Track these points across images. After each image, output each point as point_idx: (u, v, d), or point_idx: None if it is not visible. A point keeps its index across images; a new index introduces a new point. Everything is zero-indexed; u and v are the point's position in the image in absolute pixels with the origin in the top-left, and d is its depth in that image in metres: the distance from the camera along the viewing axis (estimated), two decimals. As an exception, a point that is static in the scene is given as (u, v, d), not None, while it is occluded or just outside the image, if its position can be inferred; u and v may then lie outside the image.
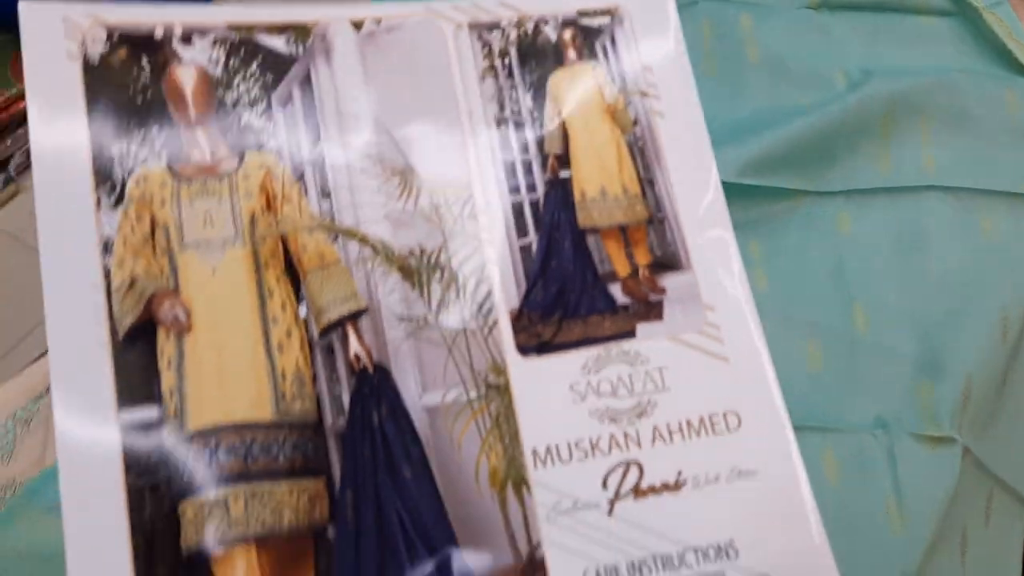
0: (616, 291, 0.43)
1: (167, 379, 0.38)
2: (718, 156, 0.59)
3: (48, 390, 0.64)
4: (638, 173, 0.44)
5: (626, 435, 0.39)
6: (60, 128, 0.38)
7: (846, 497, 0.54)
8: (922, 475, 0.56)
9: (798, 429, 0.53)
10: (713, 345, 0.40)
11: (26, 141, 1.49)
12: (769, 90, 0.68)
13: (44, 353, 0.69)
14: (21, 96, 1.48)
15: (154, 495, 0.36)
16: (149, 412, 0.37)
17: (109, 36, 0.40)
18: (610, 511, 0.38)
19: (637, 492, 0.38)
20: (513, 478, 0.38)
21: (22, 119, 1.48)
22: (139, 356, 0.37)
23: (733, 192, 0.59)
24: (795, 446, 0.39)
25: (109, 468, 0.35)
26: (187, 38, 0.41)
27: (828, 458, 0.55)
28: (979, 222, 0.65)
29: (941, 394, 0.58)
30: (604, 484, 0.38)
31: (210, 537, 0.36)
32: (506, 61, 0.44)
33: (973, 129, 0.68)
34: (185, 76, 0.40)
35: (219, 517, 0.36)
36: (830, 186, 0.64)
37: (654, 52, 0.45)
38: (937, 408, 0.57)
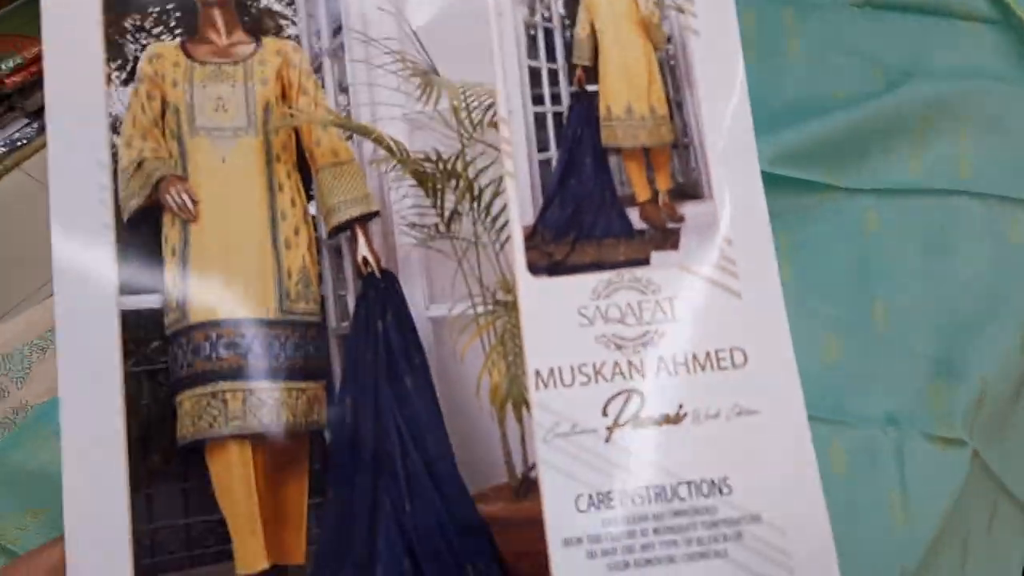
0: (633, 215, 0.42)
1: (170, 267, 0.37)
2: None
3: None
4: (667, 94, 0.42)
5: (630, 363, 0.38)
6: (71, -3, 0.36)
7: (851, 490, 0.56)
8: (929, 474, 0.56)
9: (807, 418, 0.54)
10: (727, 279, 0.40)
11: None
12: (807, 84, 0.68)
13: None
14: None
15: (152, 382, 0.36)
16: (151, 299, 0.36)
17: (126, -101, 0.38)
18: (608, 438, 0.37)
19: (636, 421, 0.38)
20: (514, 396, 0.38)
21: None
22: (143, 240, 0.37)
23: (764, 181, 0.60)
24: (800, 390, 0.39)
25: (108, 353, 0.35)
26: (208, -92, 0.39)
27: (835, 450, 0.57)
28: (1006, 230, 0.66)
29: (956, 396, 0.58)
30: (604, 411, 0.38)
31: (205, 431, 0.36)
32: (542, -38, 0.42)
33: (1009, 137, 0.69)
34: (204, -51, 0.38)
35: (217, 411, 0.36)
36: (860, 183, 0.65)
37: (697, -33, 0.43)
38: (950, 409, 0.58)
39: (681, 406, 0.38)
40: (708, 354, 0.39)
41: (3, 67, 1.44)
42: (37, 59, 1.48)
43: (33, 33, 1.52)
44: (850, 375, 0.59)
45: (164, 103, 0.38)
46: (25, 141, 1.42)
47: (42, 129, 1.49)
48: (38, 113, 1.47)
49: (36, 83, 1.52)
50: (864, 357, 0.60)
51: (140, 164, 0.37)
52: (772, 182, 0.61)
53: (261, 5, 0.39)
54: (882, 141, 0.66)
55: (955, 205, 0.66)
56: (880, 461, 0.56)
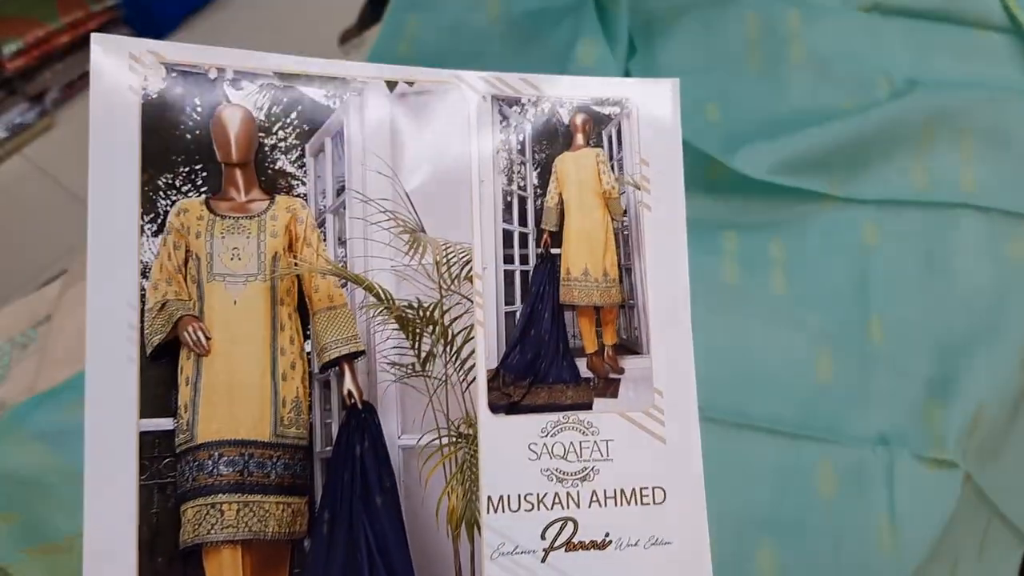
0: (581, 365, 0.49)
1: (184, 394, 0.43)
2: (750, 151, 0.60)
3: (48, 317, 0.69)
4: (619, 259, 0.49)
5: (568, 495, 0.45)
6: (116, 158, 0.42)
7: (839, 510, 0.55)
8: (919, 497, 0.56)
9: (796, 437, 0.55)
10: (655, 426, 0.47)
11: (64, 76, 1.51)
12: (809, 91, 0.67)
13: (49, 280, 0.72)
14: (62, 30, 1.46)
15: (161, 494, 0.42)
16: (165, 422, 0.43)
17: (167, 73, 0.44)
18: (544, 558, 0.44)
19: (569, 545, 0.45)
20: (468, 518, 0.45)
21: (63, 52, 1.48)
22: (161, 371, 0.43)
23: (761, 189, 0.59)
24: (706, 526, 0.46)
25: (127, 468, 0.41)
26: (236, 81, 0.45)
27: (824, 470, 0.56)
28: (1007, 245, 0.64)
29: (950, 417, 0.57)
30: (543, 535, 0.45)
31: (204, 536, 0.42)
32: (520, 137, 0.49)
33: (1013, 150, 0.66)
34: (232, 117, 0.45)
35: (214, 520, 0.43)
36: (860, 194, 0.63)
37: (653, 148, 0.49)
38: (944, 430, 0.57)
39: (607, 534, 0.45)
40: (634, 490, 0.46)
41: (5, 51, 1.42)
42: (39, 43, 1.44)
43: (35, 16, 1.52)
44: (842, 393, 0.58)
45: (188, 251, 0.44)
46: (26, 125, 1.42)
47: (43, 113, 1.48)
48: (39, 98, 1.46)
49: (37, 67, 1.48)
50: (857, 375, 0.59)
51: (164, 305, 0.43)
52: (769, 191, 0.61)
53: (276, 167, 0.45)
54: (884, 151, 0.64)
55: (956, 218, 0.64)
56: (870, 482, 0.55)
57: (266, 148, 0.45)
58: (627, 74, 0.68)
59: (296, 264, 0.45)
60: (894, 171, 0.65)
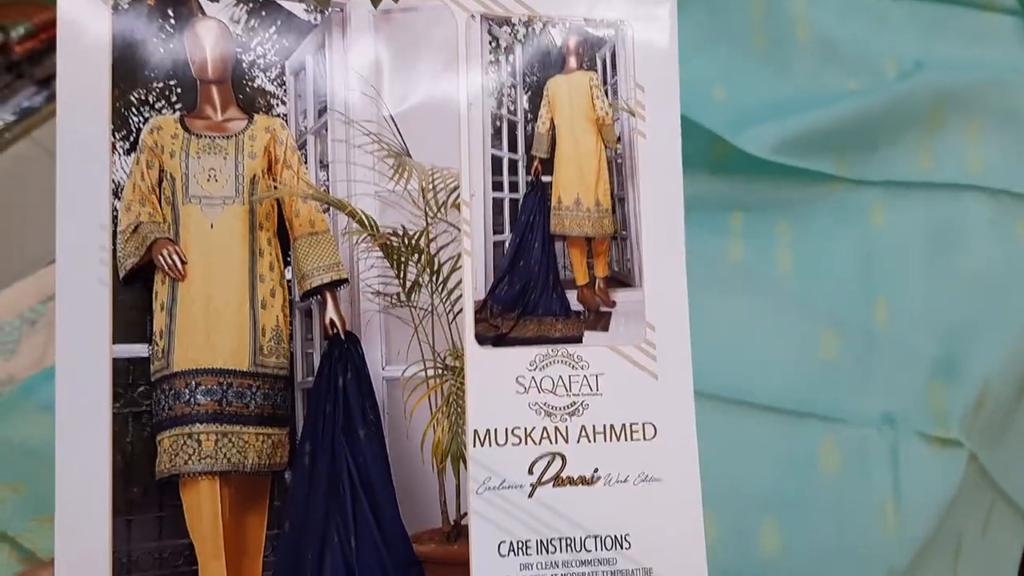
0: (572, 297, 0.47)
1: (158, 320, 0.41)
2: (755, 132, 0.59)
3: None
4: (612, 189, 0.47)
5: (556, 429, 0.44)
6: (86, 71, 0.40)
7: (843, 488, 0.55)
8: (924, 476, 0.56)
9: (799, 415, 0.55)
10: (646, 360, 0.46)
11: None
12: (815, 72, 0.66)
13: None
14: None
15: (136, 422, 0.41)
16: (139, 348, 0.41)
17: (139, -18, 0.41)
18: (531, 494, 0.43)
19: (557, 481, 0.44)
20: (453, 452, 0.44)
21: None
22: (135, 296, 0.41)
23: (767, 170, 0.58)
24: (697, 462, 0.45)
25: (99, 395, 0.39)
26: (213, -7, 0.43)
27: (827, 448, 0.56)
28: (1015, 227, 0.64)
29: (954, 397, 0.58)
30: (530, 470, 0.44)
31: (181, 467, 0.41)
32: (511, 59, 0.47)
33: (1022, 131, 0.66)
34: (207, 31, 0.42)
35: (192, 450, 0.41)
36: (867, 175, 0.63)
37: (648, 72, 0.47)
38: (948, 410, 0.57)
39: (596, 470, 0.44)
40: (624, 426, 0.45)
41: (12, 35, 1.41)
42: (46, 26, 1.43)
43: (42, 0, 1.48)
44: (847, 373, 0.58)
45: (162, 171, 0.42)
46: (34, 109, 1.39)
47: (51, 97, 1.46)
48: (47, 81, 1.44)
49: (45, 50, 1.48)
50: (862, 355, 0.59)
51: (137, 227, 0.41)
52: (775, 171, 0.60)
53: (255, 85, 0.43)
54: (891, 132, 0.64)
55: (963, 200, 0.64)
56: (874, 461, 0.56)
57: (244, 64, 0.43)
58: None
59: (276, 187, 0.43)
60: (901, 153, 0.64)
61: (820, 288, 0.60)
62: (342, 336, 0.44)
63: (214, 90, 0.43)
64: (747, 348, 0.58)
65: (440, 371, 0.44)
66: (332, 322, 0.44)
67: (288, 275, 0.44)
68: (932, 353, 0.60)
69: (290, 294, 0.44)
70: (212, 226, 0.42)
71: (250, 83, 0.43)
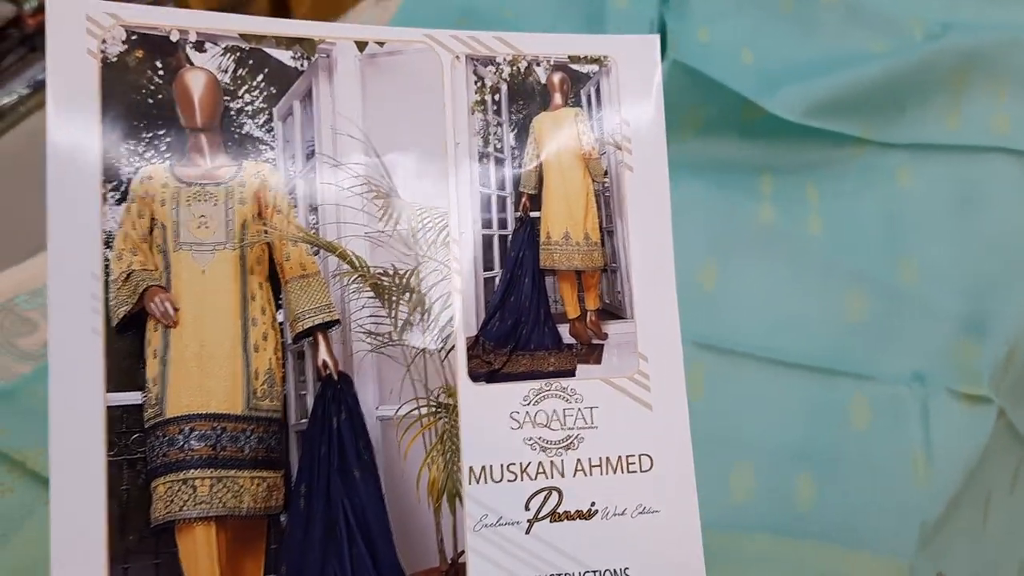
0: (564, 331, 0.47)
1: (151, 367, 0.42)
2: (784, 95, 0.60)
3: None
4: (600, 222, 0.48)
5: (552, 464, 0.44)
6: (75, 124, 0.41)
7: (874, 444, 0.56)
8: (954, 431, 0.57)
9: (830, 373, 0.56)
10: (641, 392, 0.46)
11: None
12: (842, 34, 0.67)
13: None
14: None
15: (131, 470, 0.41)
16: (133, 396, 0.41)
17: (128, 36, 0.42)
18: (528, 530, 0.43)
19: (554, 516, 0.44)
20: (449, 490, 0.43)
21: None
22: (128, 344, 0.41)
23: (796, 133, 0.60)
24: (695, 493, 0.45)
25: (93, 444, 0.40)
26: (200, 44, 0.43)
27: (858, 404, 0.57)
28: None
29: (983, 354, 0.59)
30: (527, 505, 0.44)
31: (176, 513, 0.41)
32: (496, 98, 0.47)
33: None
34: (195, 81, 0.43)
35: (187, 496, 0.41)
36: (894, 138, 0.64)
37: (634, 106, 0.48)
38: (977, 367, 0.58)
39: (593, 503, 0.44)
40: (620, 458, 0.45)
41: (26, 7, 1.42)
42: None
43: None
44: (876, 332, 0.59)
45: (153, 220, 0.42)
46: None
47: None
48: None
49: None
50: (890, 314, 0.60)
51: (128, 276, 0.41)
52: (803, 133, 0.62)
53: (243, 131, 0.44)
54: (918, 95, 0.65)
55: (989, 161, 0.65)
56: (905, 417, 0.56)
57: (232, 112, 0.44)
58: (660, 18, 0.67)
59: (266, 231, 0.44)
60: (927, 115, 0.65)
61: (848, 249, 0.61)
62: (335, 377, 0.44)
63: (203, 138, 0.43)
64: (778, 309, 0.59)
65: (434, 409, 0.44)
66: (325, 363, 0.44)
67: (280, 318, 0.44)
68: (960, 312, 0.60)
69: (282, 337, 0.44)
70: (204, 272, 0.43)
71: (238, 130, 0.44)
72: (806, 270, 0.61)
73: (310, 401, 0.44)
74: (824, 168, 0.63)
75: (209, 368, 0.42)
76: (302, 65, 0.45)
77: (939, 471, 0.56)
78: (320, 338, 0.44)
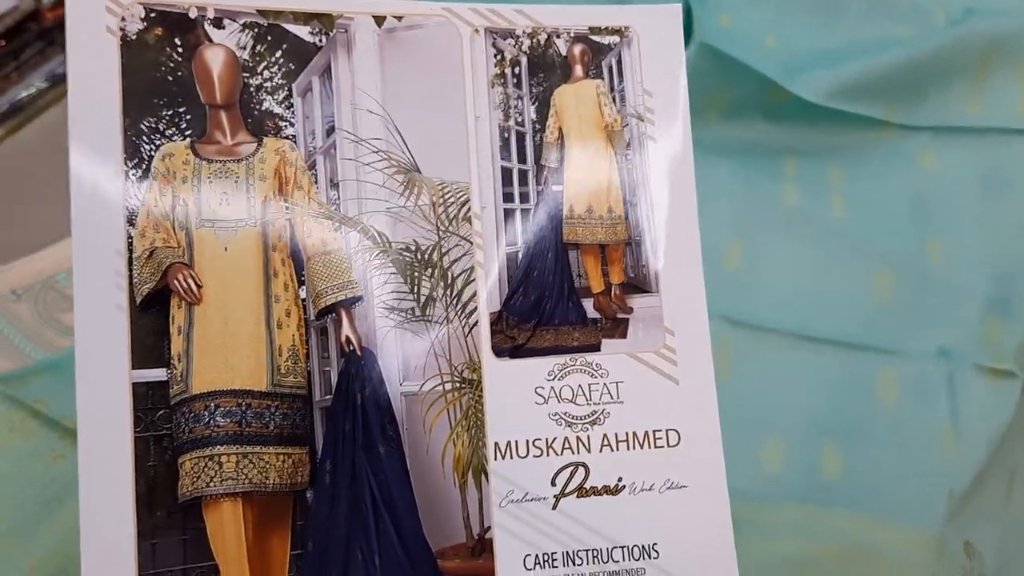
0: (588, 305, 0.47)
1: (176, 343, 0.42)
2: (809, 78, 0.61)
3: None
4: (624, 195, 0.47)
5: (578, 439, 0.44)
6: (96, 102, 0.41)
7: (902, 417, 0.57)
8: (980, 404, 0.58)
9: (857, 348, 0.58)
10: (667, 366, 0.45)
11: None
12: (866, 20, 0.68)
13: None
14: None
15: (158, 446, 0.41)
16: (158, 372, 0.41)
17: (146, 14, 0.42)
18: (555, 505, 0.43)
19: (581, 491, 0.43)
20: (474, 466, 0.43)
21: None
22: (153, 321, 0.41)
23: (820, 115, 0.61)
24: (723, 467, 0.44)
25: (120, 420, 0.40)
26: (218, 21, 0.43)
27: (886, 378, 0.58)
28: None
29: (1008, 331, 0.60)
30: (553, 481, 0.43)
31: (203, 489, 0.41)
32: (516, 70, 0.47)
33: None
34: (214, 58, 0.43)
35: (213, 472, 0.41)
36: (918, 121, 0.65)
37: (656, 77, 0.47)
38: (1003, 344, 0.59)
39: (620, 479, 0.44)
40: (647, 433, 0.44)
41: (44, 1, 1.43)
42: None
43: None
44: (902, 312, 0.60)
45: (175, 197, 0.42)
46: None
47: None
48: None
49: None
50: (917, 294, 0.61)
51: (152, 253, 0.41)
52: (828, 116, 0.63)
53: (263, 108, 0.44)
54: (942, 78, 0.65)
55: (1012, 145, 0.66)
56: (932, 391, 0.57)
57: (251, 89, 0.44)
58: (685, 2, 0.67)
59: (287, 208, 0.44)
60: (950, 99, 0.66)
61: (873, 230, 0.62)
62: (358, 353, 0.44)
63: (223, 115, 0.43)
64: (804, 288, 0.60)
65: (458, 385, 0.44)
66: (348, 339, 0.44)
67: (303, 294, 0.44)
68: (986, 292, 0.61)
69: (305, 313, 0.44)
70: (226, 249, 0.43)
71: (258, 106, 0.44)
72: (832, 251, 0.62)
73: (334, 377, 0.44)
74: (847, 151, 0.64)
75: (233, 345, 0.42)
76: (320, 40, 0.44)
77: (966, 444, 0.57)
78: (343, 314, 0.44)
